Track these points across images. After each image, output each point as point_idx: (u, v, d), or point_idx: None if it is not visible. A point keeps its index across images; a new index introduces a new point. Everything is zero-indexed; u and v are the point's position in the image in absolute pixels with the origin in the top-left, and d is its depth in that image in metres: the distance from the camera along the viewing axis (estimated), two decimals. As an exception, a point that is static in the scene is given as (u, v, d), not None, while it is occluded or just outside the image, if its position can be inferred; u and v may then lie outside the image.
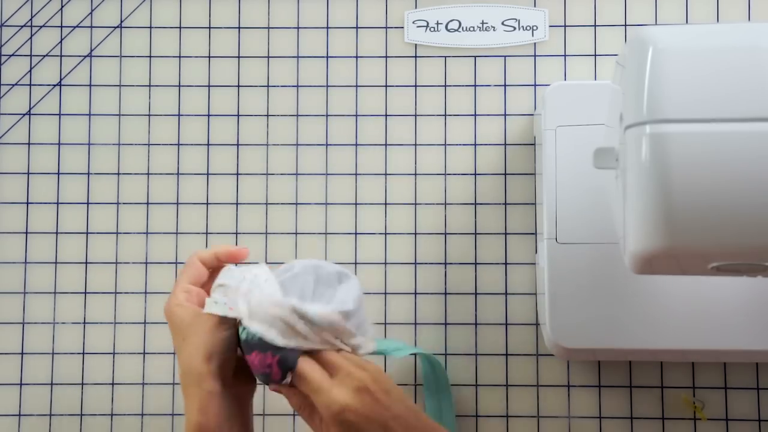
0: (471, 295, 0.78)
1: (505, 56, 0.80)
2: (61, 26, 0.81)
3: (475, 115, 0.80)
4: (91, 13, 0.81)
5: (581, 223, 0.72)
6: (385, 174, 0.80)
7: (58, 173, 0.80)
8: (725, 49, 0.53)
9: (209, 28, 0.81)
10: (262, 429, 0.78)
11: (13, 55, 0.81)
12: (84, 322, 0.79)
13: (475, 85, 0.80)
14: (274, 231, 0.79)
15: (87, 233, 0.79)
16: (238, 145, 0.80)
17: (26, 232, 0.80)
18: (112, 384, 0.78)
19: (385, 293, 0.78)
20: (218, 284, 0.64)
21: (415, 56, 0.81)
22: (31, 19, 0.81)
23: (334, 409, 0.58)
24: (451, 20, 0.80)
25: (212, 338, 0.62)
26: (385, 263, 0.79)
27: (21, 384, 0.79)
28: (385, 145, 0.80)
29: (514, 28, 0.80)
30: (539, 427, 0.77)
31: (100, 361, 0.79)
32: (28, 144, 0.80)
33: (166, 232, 0.79)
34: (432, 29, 0.80)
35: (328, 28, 0.81)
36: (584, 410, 0.77)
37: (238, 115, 0.80)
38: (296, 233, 0.79)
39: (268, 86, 0.81)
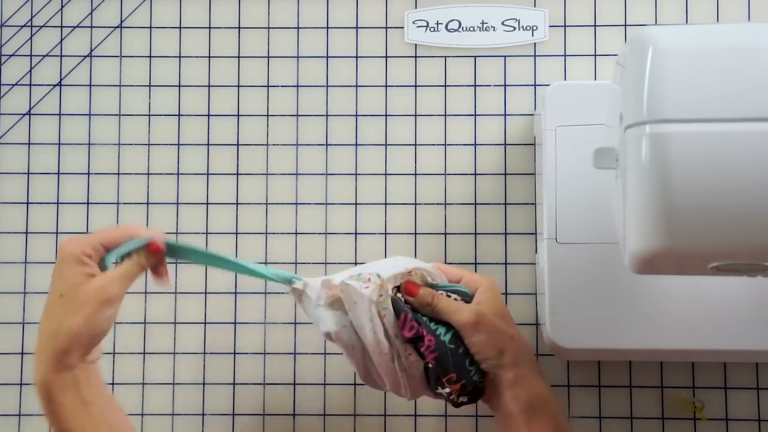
0: (471, 295, 0.78)
1: (505, 56, 0.80)
2: (61, 26, 0.81)
3: (475, 115, 0.80)
4: (91, 13, 0.81)
5: (581, 223, 0.72)
6: (385, 174, 0.80)
7: (58, 173, 0.80)
8: (725, 49, 0.53)
9: (209, 28, 0.81)
10: (262, 429, 0.77)
11: (13, 55, 0.81)
12: (84, 322, 0.79)
13: (475, 85, 0.80)
14: (274, 231, 0.79)
15: (87, 233, 0.79)
16: (238, 145, 0.80)
17: (26, 232, 0.80)
18: (113, 384, 0.78)
19: (385, 293, 0.78)
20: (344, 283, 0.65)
21: (415, 56, 0.81)
22: (31, 19, 0.81)
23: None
24: (451, 20, 0.80)
25: (101, 315, 0.60)
26: (385, 263, 0.79)
27: (21, 384, 0.78)
28: (385, 145, 0.80)
29: (514, 28, 0.80)
30: (539, 427, 0.77)
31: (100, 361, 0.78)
32: (28, 144, 0.80)
33: (167, 232, 0.79)
34: (432, 29, 0.80)
35: (328, 28, 0.81)
36: (584, 410, 0.77)
37: (238, 115, 0.80)
38: (296, 233, 0.79)
39: (268, 86, 0.81)
